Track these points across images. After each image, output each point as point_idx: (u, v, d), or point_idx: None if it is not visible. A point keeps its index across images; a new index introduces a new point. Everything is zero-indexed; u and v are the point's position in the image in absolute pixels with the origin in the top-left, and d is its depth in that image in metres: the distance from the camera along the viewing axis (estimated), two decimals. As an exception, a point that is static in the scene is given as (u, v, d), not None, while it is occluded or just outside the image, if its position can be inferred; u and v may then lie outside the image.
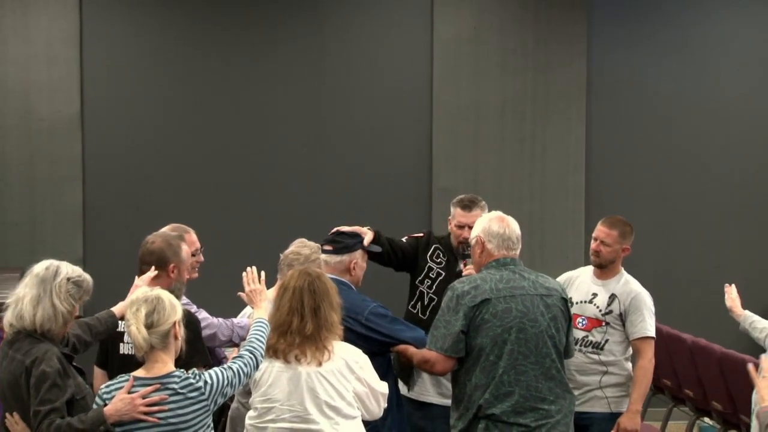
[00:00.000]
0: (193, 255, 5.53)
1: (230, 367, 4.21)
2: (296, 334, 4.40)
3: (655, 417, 8.15)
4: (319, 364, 4.38)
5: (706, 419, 7.83)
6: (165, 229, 5.55)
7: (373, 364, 4.63)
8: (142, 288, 4.22)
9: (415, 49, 8.87)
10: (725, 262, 8.96)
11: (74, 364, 4.30)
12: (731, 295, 5.93)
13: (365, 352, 4.65)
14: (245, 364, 4.26)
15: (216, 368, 4.20)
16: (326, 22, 8.89)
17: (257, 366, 4.32)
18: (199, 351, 4.73)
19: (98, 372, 5.04)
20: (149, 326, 4.00)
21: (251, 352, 4.32)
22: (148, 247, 4.96)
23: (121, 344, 4.86)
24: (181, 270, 4.98)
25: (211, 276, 6.03)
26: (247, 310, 5.57)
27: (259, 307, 4.62)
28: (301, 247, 5.53)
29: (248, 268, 4.82)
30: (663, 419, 8.07)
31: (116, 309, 5.09)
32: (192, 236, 5.69)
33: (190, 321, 4.74)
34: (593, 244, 6.01)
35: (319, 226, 5.53)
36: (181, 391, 4.05)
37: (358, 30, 8.93)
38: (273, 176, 8.84)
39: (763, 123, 9.16)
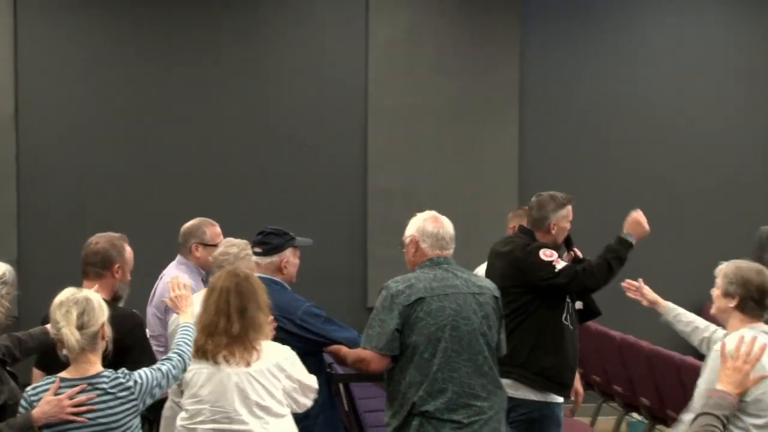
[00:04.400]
0: (216, 246, 5.76)
1: (159, 369, 4.17)
2: (223, 334, 4.37)
3: (585, 413, 8.20)
4: (248, 364, 4.35)
5: (635, 414, 7.91)
6: (192, 223, 6.04)
7: (305, 363, 4.61)
8: (68, 289, 4.14)
9: (351, 51, 8.86)
10: (655, 261, 9.02)
11: (8, 368, 4.21)
12: (644, 290, 5.83)
13: (298, 351, 4.63)
14: (174, 366, 4.22)
15: (145, 368, 4.16)
16: (263, 25, 8.84)
17: (185, 369, 4.29)
18: (147, 351, 4.74)
19: (38, 374, 4.96)
20: (80, 327, 3.94)
21: (179, 355, 4.28)
22: (92, 248, 4.92)
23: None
24: (125, 270, 4.98)
25: (149, 278, 5.97)
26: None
27: (185, 312, 4.58)
28: (229, 246, 5.49)
29: (173, 275, 4.79)
30: (592, 414, 8.12)
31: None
32: (216, 229, 6.05)
33: (137, 322, 4.71)
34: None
35: (258, 226, 5.48)
36: (111, 390, 3.99)
37: (294, 33, 8.88)
38: (210, 178, 8.75)
39: (689, 122, 9.29)
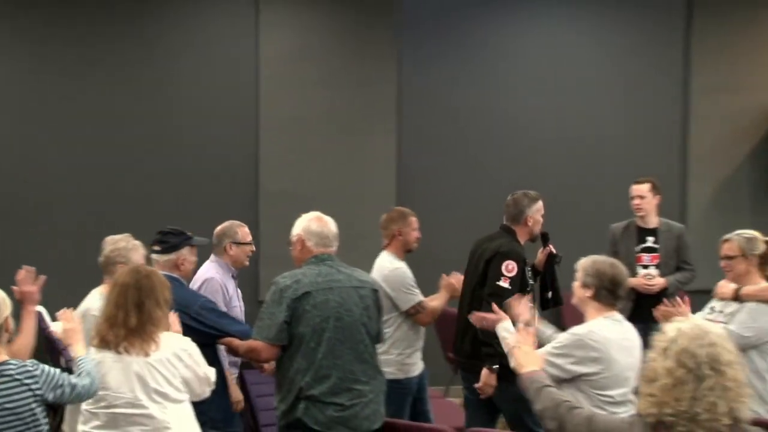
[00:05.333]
0: (247, 244, 6.12)
1: (68, 376, 4.15)
2: (122, 326, 4.39)
3: (439, 383, 8.28)
4: (147, 354, 4.36)
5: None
6: (224, 225, 6.17)
7: (202, 353, 4.61)
8: None
9: (243, 67, 8.83)
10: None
11: None
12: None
13: (194, 342, 4.63)
14: (83, 385, 4.18)
15: (58, 370, 4.14)
16: (164, 41, 8.74)
17: (89, 394, 4.22)
18: None
19: None
20: None
21: (92, 382, 4.22)
22: None
23: None
24: None
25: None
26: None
27: (76, 344, 4.53)
28: (116, 243, 5.49)
29: (63, 309, 4.72)
30: (446, 385, 8.28)
31: None
32: (245, 229, 6.19)
33: None
34: (418, 233, 6.36)
35: (157, 226, 5.47)
36: (18, 377, 3.98)
37: (192, 50, 8.80)
38: (110, 181, 8.60)
39: (557, 132, 9.40)
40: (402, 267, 6.30)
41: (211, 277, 5.87)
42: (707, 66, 9.45)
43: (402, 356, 6.23)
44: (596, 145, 9.43)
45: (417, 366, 6.33)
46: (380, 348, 6.01)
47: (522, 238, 6.11)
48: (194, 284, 5.81)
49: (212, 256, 6.17)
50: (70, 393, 4.14)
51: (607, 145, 9.44)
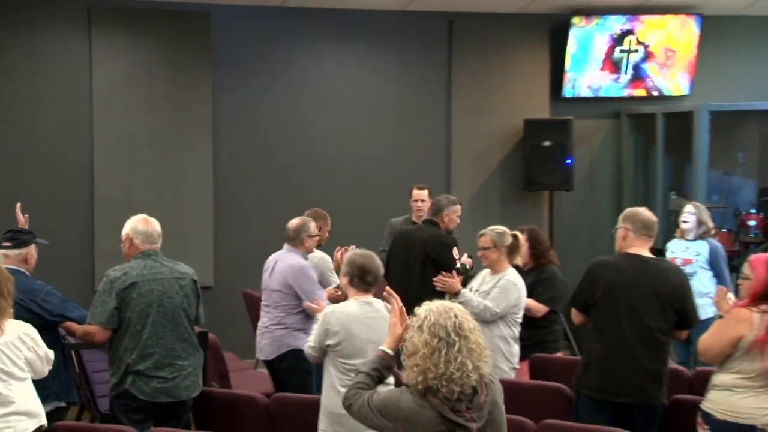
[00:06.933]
0: (317, 235, 6.45)
1: None
2: None
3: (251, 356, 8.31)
4: None
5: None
6: (299, 221, 6.34)
7: (44, 336, 4.60)
8: None
9: (78, 91, 8.75)
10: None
11: None
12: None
13: (39, 326, 4.62)
14: None
15: None
16: (11, 68, 8.56)
17: None
18: None
19: None
20: None
21: None
22: None
23: None
24: None
25: None
26: None
27: None
28: None
29: None
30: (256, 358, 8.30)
31: None
32: (314, 223, 6.44)
33: None
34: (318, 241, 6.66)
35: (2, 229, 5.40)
36: None
37: (30, 78, 8.63)
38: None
39: (339, 147, 9.51)
40: (326, 256, 6.65)
41: (306, 263, 6.26)
42: (465, 94, 9.84)
43: None
44: (378, 160, 9.66)
45: None
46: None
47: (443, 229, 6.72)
48: (292, 269, 6.19)
49: (287, 246, 6.40)
50: None
51: (387, 159, 9.67)
